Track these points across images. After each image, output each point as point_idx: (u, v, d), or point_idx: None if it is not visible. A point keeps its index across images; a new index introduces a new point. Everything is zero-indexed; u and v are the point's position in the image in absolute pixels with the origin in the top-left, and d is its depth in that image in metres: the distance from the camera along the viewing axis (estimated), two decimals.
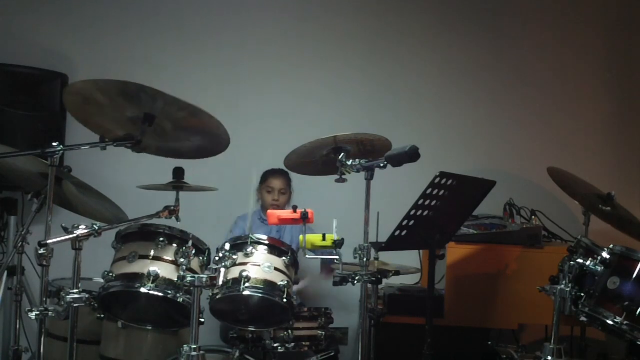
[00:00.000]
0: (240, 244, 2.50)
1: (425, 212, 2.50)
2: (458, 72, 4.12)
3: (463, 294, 3.16)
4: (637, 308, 2.30)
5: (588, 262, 2.41)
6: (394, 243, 2.56)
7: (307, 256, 2.51)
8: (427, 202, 2.48)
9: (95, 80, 2.16)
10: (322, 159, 2.65)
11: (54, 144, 2.17)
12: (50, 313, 2.12)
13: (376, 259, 2.82)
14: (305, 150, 2.67)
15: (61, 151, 2.17)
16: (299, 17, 4.15)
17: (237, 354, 2.57)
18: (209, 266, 2.48)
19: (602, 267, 2.39)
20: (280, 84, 4.11)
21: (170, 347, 2.63)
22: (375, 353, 2.85)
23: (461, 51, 4.13)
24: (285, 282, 2.45)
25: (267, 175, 3.66)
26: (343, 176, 2.39)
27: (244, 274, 2.39)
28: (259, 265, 2.44)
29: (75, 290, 2.14)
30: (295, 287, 3.15)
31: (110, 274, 2.38)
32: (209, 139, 2.42)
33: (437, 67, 4.15)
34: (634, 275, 2.34)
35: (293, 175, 3.54)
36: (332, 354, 2.73)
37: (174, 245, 2.42)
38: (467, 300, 3.16)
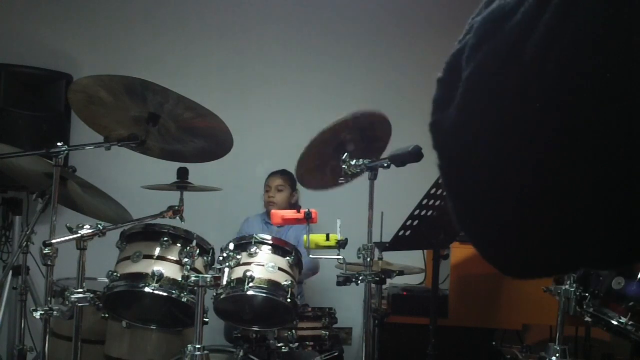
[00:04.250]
0: (244, 244, 2.50)
1: (430, 212, 2.50)
2: None
3: (467, 294, 3.15)
4: None
5: None
6: (398, 243, 2.56)
7: (310, 256, 2.52)
8: (431, 202, 2.47)
9: (99, 76, 2.16)
10: (333, 166, 2.61)
11: (58, 144, 2.18)
12: (55, 313, 2.13)
13: (380, 259, 2.82)
14: (311, 154, 2.65)
15: (66, 151, 2.18)
16: (302, 20, 4.15)
17: (241, 353, 2.57)
18: (213, 266, 2.48)
19: None
20: (285, 85, 4.12)
21: (174, 347, 2.64)
22: (379, 353, 2.84)
23: None
24: (290, 282, 2.45)
25: (267, 177, 3.71)
26: (347, 176, 2.39)
27: (248, 274, 2.39)
28: (263, 265, 2.44)
29: (79, 290, 2.14)
30: None
31: (115, 274, 2.38)
32: (212, 142, 2.42)
33: (440, 67, 4.14)
34: (639, 276, 2.33)
35: None
36: (336, 354, 2.73)
37: (178, 245, 2.43)
38: (471, 300, 3.15)
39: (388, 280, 2.67)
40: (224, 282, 2.32)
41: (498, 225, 0.49)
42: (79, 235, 2.12)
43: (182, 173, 2.57)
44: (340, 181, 2.40)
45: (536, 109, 0.43)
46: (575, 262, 0.49)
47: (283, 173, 3.64)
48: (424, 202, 2.45)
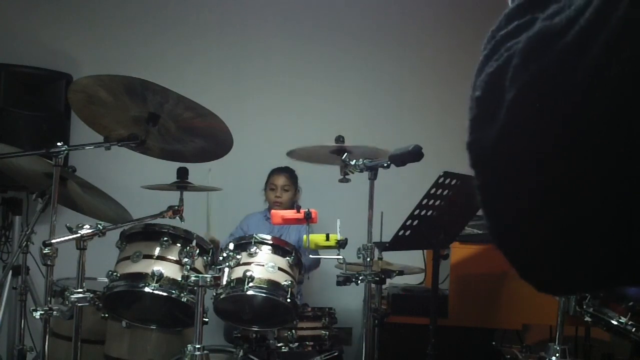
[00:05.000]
0: (244, 244, 2.51)
1: (430, 212, 2.50)
2: (463, 70, 4.11)
3: (467, 294, 3.15)
4: None
5: None
6: (398, 243, 2.55)
7: (310, 256, 2.52)
8: (431, 202, 2.47)
9: (99, 76, 2.16)
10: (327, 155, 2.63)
11: (58, 144, 2.18)
12: (54, 313, 2.13)
13: (380, 259, 2.82)
14: (309, 150, 2.67)
15: (66, 151, 2.18)
16: (303, 19, 4.15)
17: (241, 353, 2.57)
18: (212, 266, 2.49)
19: None
20: (285, 83, 4.12)
21: (174, 347, 2.64)
22: (379, 353, 2.84)
23: (466, 50, 4.12)
24: (289, 282, 2.45)
25: (270, 174, 3.67)
26: (347, 176, 2.39)
27: (248, 274, 2.39)
28: (263, 265, 2.45)
29: (79, 290, 2.14)
30: None
31: (115, 274, 2.38)
32: (212, 142, 2.42)
33: (441, 66, 4.15)
34: None
35: (298, 175, 3.54)
36: (336, 354, 2.73)
37: (178, 245, 2.43)
38: (471, 300, 3.15)
39: (388, 280, 2.67)
40: (224, 282, 2.32)
41: (542, 245, 0.50)
42: (79, 235, 2.12)
43: (182, 173, 2.57)
44: (340, 179, 2.40)
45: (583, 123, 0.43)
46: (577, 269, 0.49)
47: (287, 171, 3.59)
48: (424, 202, 2.45)
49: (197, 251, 2.41)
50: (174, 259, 2.40)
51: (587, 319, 2.40)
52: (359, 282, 2.29)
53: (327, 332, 2.70)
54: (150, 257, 2.39)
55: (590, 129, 0.44)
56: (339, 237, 2.37)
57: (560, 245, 0.48)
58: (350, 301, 3.54)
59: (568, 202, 0.46)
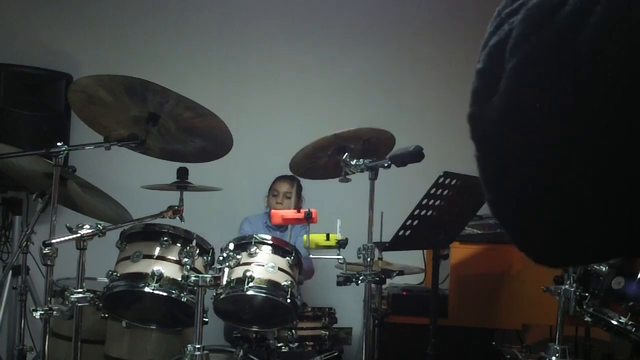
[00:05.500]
0: (244, 244, 2.51)
1: (430, 212, 2.50)
2: (463, 70, 4.12)
3: (467, 294, 3.15)
4: None
5: None
6: (398, 243, 2.56)
7: (310, 256, 2.52)
8: (431, 202, 2.47)
9: (99, 76, 2.16)
10: (327, 161, 2.63)
11: (58, 144, 2.18)
12: (54, 313, 2.13)
13: (380, 259, 2.82)
14: (309, 152, 2.66)
15: (66, 151, 2.18)
16: (303, 18, 4.15)
17: (241, 353, 2.57)
18: (212, 266, 2.49)
19: (607, 267, 2.39)
20: (285, 82, 4.12)
21: (174, 347, 2.64)
22: (379, 353, 2.84)
23: (466, 49, 4.13)
24: (289, 282, 2.45)
25: (275, 181, 3.65)
26: (347, 176, 2.39)
27: (248, 274, 2.39)
28: (263, 266, 2.45)
29: (79, 290, 2.14)
30: None
31: (115, 274, 2.38)
32: (212, 142, 2.42)
33: (441, 66, 4.15)
34: (639, 276, 2.33)
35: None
36: (336, 354, 2.73)
37: (178, 245, 2.43)
38: (471, 300, 3.15)
39: (388, 280, 2.67)
40: (224, 282, 2.32)
41: (541, 219, 0.50)
42: (79, 235, 2.12)
43: (182, 173, 2.57)
44: (340, 179, 2.40)
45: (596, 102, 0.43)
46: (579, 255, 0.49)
47: (291, 179, 3.55)
48: (424, 202, 2.45)
49: (197, 251, 2.41)
50: (174, 259, 2.40)
51: (587, 319, 2.40)
52: (359, 282, 2.29)
53: (327, 332, 2.70)
54: (150, 257, 2.39)
55: (588, 99, 0.43)
56: (339, 237, 2.37)
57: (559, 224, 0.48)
58: (350, 301, 3.54)
59: (566, 162, 0.46)
